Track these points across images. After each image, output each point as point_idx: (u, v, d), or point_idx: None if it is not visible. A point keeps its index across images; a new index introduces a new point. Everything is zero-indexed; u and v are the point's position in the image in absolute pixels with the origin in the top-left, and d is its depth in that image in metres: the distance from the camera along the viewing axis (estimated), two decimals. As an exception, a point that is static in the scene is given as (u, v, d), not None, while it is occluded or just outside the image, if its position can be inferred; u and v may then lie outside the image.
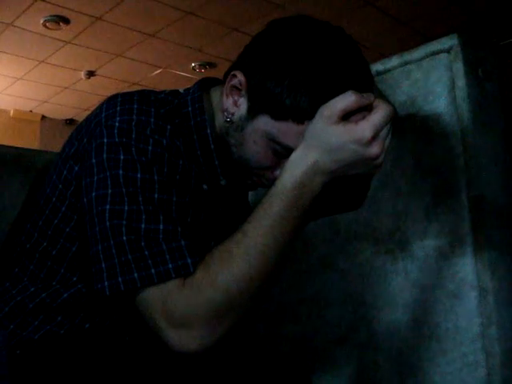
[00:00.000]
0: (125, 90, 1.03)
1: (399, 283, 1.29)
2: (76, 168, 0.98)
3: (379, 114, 0.87)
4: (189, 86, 1.09)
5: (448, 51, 1.26)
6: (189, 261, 0.85)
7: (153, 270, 0.84)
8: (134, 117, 0.93)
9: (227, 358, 0.95)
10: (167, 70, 6.06)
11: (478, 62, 1.27)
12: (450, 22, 4.97)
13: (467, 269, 1.19)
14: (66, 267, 1.02)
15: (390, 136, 0.91)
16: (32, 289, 1.02)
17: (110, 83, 6.21)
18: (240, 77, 0.97)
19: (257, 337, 1.57)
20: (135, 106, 0.95)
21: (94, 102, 6.68)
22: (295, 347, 1.50)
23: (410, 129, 1.31)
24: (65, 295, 1.01)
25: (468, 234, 1.20)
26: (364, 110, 0.88)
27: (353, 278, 1.39)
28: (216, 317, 0.85)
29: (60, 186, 1.00)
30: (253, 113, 0.96)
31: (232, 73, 0.99)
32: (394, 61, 1.35)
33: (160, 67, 5.97)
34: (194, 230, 0.96)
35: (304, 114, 0.90)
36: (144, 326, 0.90)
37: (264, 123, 0.94)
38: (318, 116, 0.88)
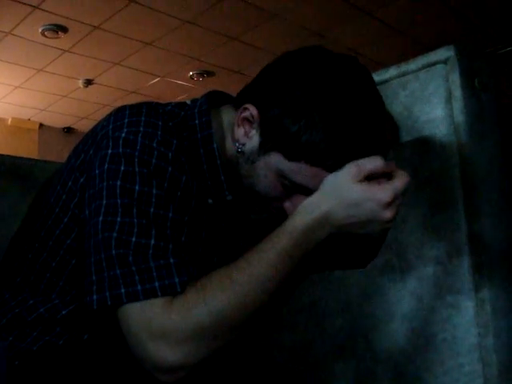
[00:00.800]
0: (123, 99, 1.03)
1: (397, 293, 1.30)
2: (81, 179, 0.98)
3: (401, 182, 0.91)
4: (196, 98, 1.08)
5: (445, 62, 1.27)
6: (176, 280, 0.85)
7: (139, 287, 0.84)
8: (141, 128, 0.93)
9: (224, 366, 0.94)
10: (165, 79, 6.07)
11: (474, 72, 1.28)
12: (448, 31, 5.00)
13: (464, 279, 1.19)
14: (65, 280, 1.01)
15: (402, 203, 0.94)
16: (31, 301, 1.02)
17: (107, 92, 6.22)
18: (252, 110, 0.97)
19: (254, 346, 1.57)
20: (143, 119, 0.95)
21: (92, 111, 6.69)
22: (293, 357, 1.50)
23: (407, 139, 1.31)
24: (63, 312, 1.00)
25: (465, 244, 1.20)
26: (385, 175, 0.92)
27: (351, 288, 1.39)
28: (203, 338, 0.84)
29: (64, 196, 1.00)
30: (265, 148, 0.96)
31: (244, 106, 0.98)
32: (391, 72, 1.35)
33: (158, 76, 5.99)
34: (193, 247, 0.96)
35: (319, 157, 0.91)
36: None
37: (276, 161, 0.95)
38: (344, 170, 0.90)
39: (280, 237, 0.90)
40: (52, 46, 5.11)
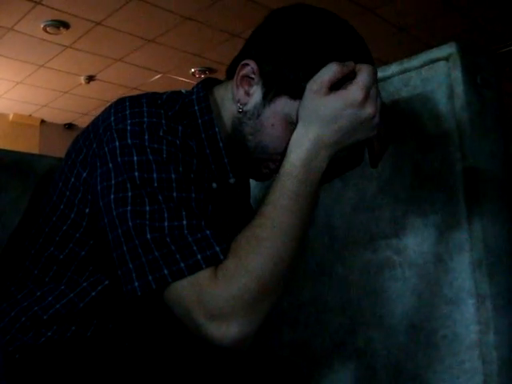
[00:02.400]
0: (124, 95, 1.03)
1: (397, 289, 1.30)
2: (84, 174, 0.97)
3: (364, 75, 0.91)
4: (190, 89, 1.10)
5: (447, 59, 1.27)
6: (217, 249, 0.85)
7: (182, 264, 0.83)
8: (145, 119, 0.93)
9: (226, 362, 0.94)
10: (167, 75, 6.07)
11: (476, 69, 1.28)
12: (450, 28, 4.99)
13: (465, 275, 1.19)
14: (73, 270, 1.01)
15: (379, 96, 0.94)
16: (38, 293, 1.02)
17: (109, 88, 6.22)
18: (252, 65, 0.99)
19: (255, 342, 1.57)
20: (145, 109, 0.95)
21: (93, 107, 6.69)
22: (293, 352, 1.50)
23: (409, 136, 1.31)
24: (72, 296, 1.00)
25: (466, 241, 1.20)
26: (348, 78, 0.92)
27: (351, 284, 1.39)
28: (253, 304, 0.84)
29: (67, 193, 1.00)
30: (270, 97, 0.98)
31: (243, 62, 1.00)
32: (393, 68, 1.35)
33: (159, 72, 5.99)
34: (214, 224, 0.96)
35: None
36: (143, 332, 0.90)
37: (283, 105, 0.97)
38: (307, 92, 0.92)
39: (282, 180, 0.91)
40: (54, 42, 5.11)
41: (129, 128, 0.92)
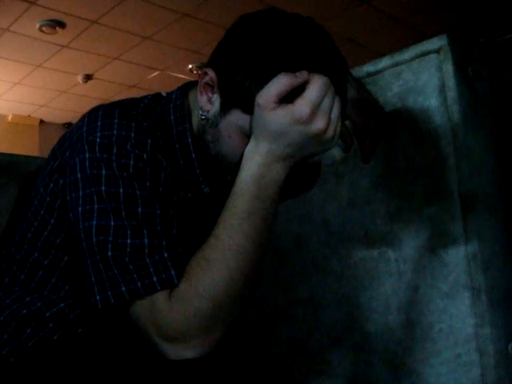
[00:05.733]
0: (122, 93, 1.03)
1: (392, 284, 1.30)
2: (61, 181, 0.98)
3: (313, 88, 0.86)
4: (171, 90, 1.09)
5: (437, 51, 1.26)
6: (173, 272, 0.86)
7: (139, 284, 0.85)
8: (115, 132, 0.93)
9: (222, 360, 0.94)
10: (164, 72, 6.06)
11: (467, 61, 1.27)
12: (447, 18, 4.98)
13: (460, 269, 1.19)
14: (57, 276, 1.02)
15: (336, 106, 0.89)
16: (28, 298, 1.03)
17: (107, 86, 6.22)
18: (211, 74, 0.97)
19: (252, 338, 1.57)
20: (116, 121, 0.95)
21: (91, 106, 6.61)
22: (290, 349, 1.50)
23: (401, 130, 1.31)
24: (61, 305, 1.01)
25: (460, 234, 1.20)
26: (302, 89, 0.87)
27: (346, 279, 1.39)
28: (206, 326, 0.85)
29: (48, 198, 1.00)
30: (225, 108, 0.95)
31: (203, 70, 0.99)
32: (385, 62, 1.35)
33: (157, 69, 5.98)
34: (182, 240, 0.96)
35: None
36: (136, 333, 0.91)
37: (236, 117, 0.94)
38: (256, 106, 0.88)
39: (234, 199, 0.90)
40: (50, 42, 5.10)
41: (98, 140, 0.92)
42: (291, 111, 0.86)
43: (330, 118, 0.88)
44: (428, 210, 1.25)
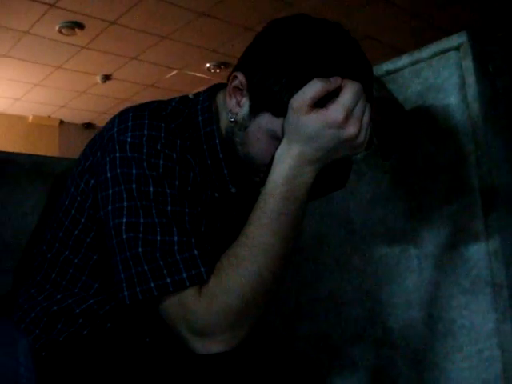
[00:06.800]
0: (141, 93, 1.05)
1: (414, 281, 1.30)
2: (92, 181, 1.00)
3: (347, 94, 0.88)
4: (199, 91, 1.11)
5: (457, 48, 1.27)
6: (202, 269, 0.88)
7: (168, 280, 0.87)
8: (145, 132, 0.95)
9: (247, 357, 0.96)
10: (182, 71, 6.08)
11: (487, 57, 1.27)
12: (465, 14, 4.94)
13: (481, 265, 1.20)
14: (87, 275, 1.05)
15: (368, 112, 0.91)
16: (59, 296, 1.06)
17: (125, 86, 6.25)
18: (241, 77, 0.99)
19: (275, 335, 1.59)
20: (146, 122, 0.97)
21: (110, 106, 6.73)
22: (313, 345, 1.52)
23: (422, 127, 1.32)
24: (90, 301, 1.04)
25: (481, 231, 1.20)
26: (335, 94, 0.89)
27: (368, 276, 1.40)
28: (236, 321, 0.88)
29: (78, 198, 1.03)
30: (255, 111, 0.97)
31: (233, 74, 1.01)
32: (404, 60, 1.35)
33: (175, 69, 6.00)
34: (209, 238, 0.98)
35: None
36: (163, 328, 0.93)
37: (266, 121, 0.96)
38: (289, 110, 0.90)
39: (265, 198, 0.92)
40: (69, 43, 5.14)
41: (129, 140, 0.94)
42: (325, 115, 0.88)
43: (361, 123, 0.90)
44: (449, 206, 1.26)
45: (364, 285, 1.41)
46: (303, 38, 0.94)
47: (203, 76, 6.20)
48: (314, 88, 0.88)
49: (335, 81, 0.89)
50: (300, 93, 0.89)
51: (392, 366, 1.33)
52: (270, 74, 0.94)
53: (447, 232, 1.26)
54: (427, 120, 1.30)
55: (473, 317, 1.20)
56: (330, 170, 0.98)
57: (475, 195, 1.22)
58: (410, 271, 1.31)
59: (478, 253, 1.20)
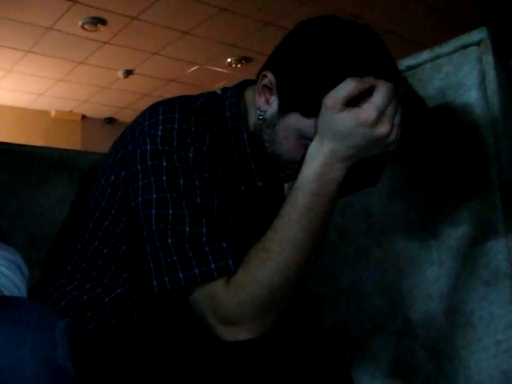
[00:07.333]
0: (162, 88, 1.08)
1: (434, 273, 1.32)
2: (123, 173, 1.04)
3: (380, 94, 0.90)
4: (227, 86, 1.13)
5: (478, 44, 1.27)
6: (230, 262, 0.91)
7: (196, 270, 0.90)
8: (176, 125, 0.98)
9: (272, 346, 0.99)
10: (204, 66, 6.11)
11: (508, 53, 1.28)
12: (486, 7, 4.90)
13: (500, 257, 1.21)
14: (116, 265, 1.08)
15: (399, 113, 0.93)
16: (88, 285, 1.09)
17: (147, 81, 6.30)
18: (270, 76, 1.01)
19: (297, 327, 1.61)
20: (176, 115, 0.99)
21: (132, 100, 6.78)
22: (334, 336, 1.54)
23: (442, 122, 1.33)
24: (118, 290, 1.07)
25: (501, 223, 1.21)
26: (368, 93, 0.91)
27: (388, 268, 1.42)
28: (262, 311, 0.91)
29: (109, 190, 1.06)
30: (284, 110, 1.00)
31: (263, 73, 1.03)
32: (425, 55, 1.36)
33: (196, 64, 6.03)
34: (236, 230, 1.01)
35: None
36: (189, 317, 0.96)
37: (294, 120, 0.98)
38: (323, 107, 0.92)
39: (295, 194, 0.94)
40: (92, 39, 5.20)
41: (160, 133, 0.97)
42: (358, 114, 0.90)
43: (393, 123, 0.92)
44: (468, 199, 1.27)
45: (385, 277, 1.43)
46: (334, 39, 0.97)
47: (224, 71, 6.22)
48: (347, 87, 0.90)
49: (369, 80, 0.91)
50: (334, 91, 0.91)
51: (412, 356, 1.35)
52: (300, 74, 0.96)
53: (467, 224, 1.27)
54: (447, 114, 1.32)
55: (492, 308, 1.21)
56: (361, 167, 1.00)
57: (494, 188, 1.23)
58: (429, 263, 1.33)
59: (497, 245, 1.21)
